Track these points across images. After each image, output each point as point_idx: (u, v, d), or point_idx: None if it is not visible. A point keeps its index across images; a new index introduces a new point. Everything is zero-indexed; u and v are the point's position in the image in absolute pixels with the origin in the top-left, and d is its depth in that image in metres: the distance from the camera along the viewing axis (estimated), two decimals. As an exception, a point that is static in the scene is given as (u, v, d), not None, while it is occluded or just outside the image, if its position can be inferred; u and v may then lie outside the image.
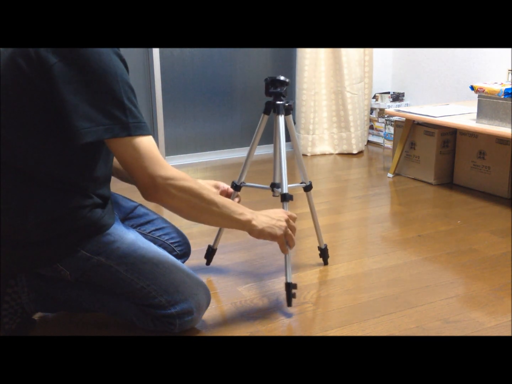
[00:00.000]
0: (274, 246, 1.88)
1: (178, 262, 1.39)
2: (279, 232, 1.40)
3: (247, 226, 1.35)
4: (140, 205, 1.62)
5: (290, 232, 1.42)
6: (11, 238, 1.25)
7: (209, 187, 1.59)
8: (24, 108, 1.17)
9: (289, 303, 1.52)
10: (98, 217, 1.28)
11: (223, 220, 1.33)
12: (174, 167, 1.24)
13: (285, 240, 1.42)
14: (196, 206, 1.26)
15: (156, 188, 1.20)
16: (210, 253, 1.78)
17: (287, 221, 1.42)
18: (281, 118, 1.60)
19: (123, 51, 3.31)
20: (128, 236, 1.34)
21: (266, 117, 1.63)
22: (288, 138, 3.14)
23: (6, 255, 1.27)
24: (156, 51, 3.01)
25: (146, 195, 1.22)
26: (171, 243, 1.62)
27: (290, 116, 1.63)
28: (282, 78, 1.57)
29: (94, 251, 1.28)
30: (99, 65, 1.13)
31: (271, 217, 1.40)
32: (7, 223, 1.23)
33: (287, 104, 1.60)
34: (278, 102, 1.59)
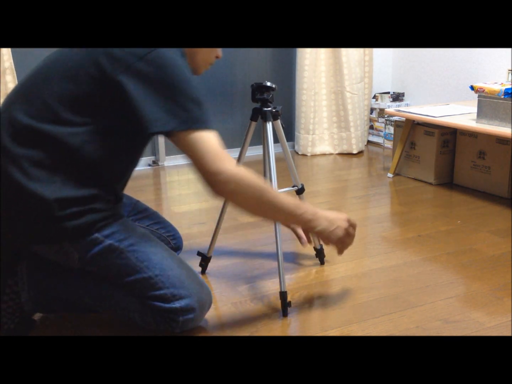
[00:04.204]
0: (274, 245, 1.88)
1: (183, 260, 1.43)
2: (334, 238, 1.41)
3: (307, 224, 1.37)
4: (139, 201, 1.71)
5: (346, 238, 1.44)
6: (33, 209, 1.25)
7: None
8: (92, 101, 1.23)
9: (285, 313, 1.50)
10: (115, 207, 1.36)
11: (286, 215, 1.34)
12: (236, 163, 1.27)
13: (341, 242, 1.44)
14: (261, 201, 1.28)
15: (225, 182, 1.23)
16: (205, 261, 1.77)
17: (348, 226, 1.43)
18: (269, 125, 1.58)
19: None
20: (139, 229, 1.40)
21: (254, 123, 1.62)
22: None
23: (24, 226, 1.29)
24: (156, 51, 3.00)
25: (216, 188, 1.25)
26: (167, 236, 1.70)
27: (278, 121, 1.61)
28: (268, 84, 1.55)
29: (107, 235, 1.31)
30: (174, 69, 1.20)
31: (331, 219, 1.40)
32: (30, 193, 1.24)
33: (274, 110, 1.59)
34: (265, 109, 1.58)
